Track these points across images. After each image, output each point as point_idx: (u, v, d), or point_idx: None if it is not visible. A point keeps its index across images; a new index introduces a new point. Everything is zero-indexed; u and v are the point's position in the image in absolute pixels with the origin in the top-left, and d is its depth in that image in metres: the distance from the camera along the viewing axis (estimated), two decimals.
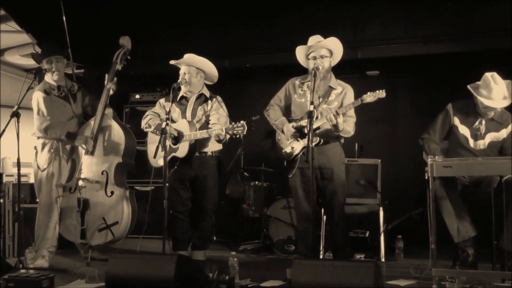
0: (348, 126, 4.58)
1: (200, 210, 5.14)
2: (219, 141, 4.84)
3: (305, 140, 4.38)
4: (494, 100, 4.37)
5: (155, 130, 5.03)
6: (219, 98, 5.19)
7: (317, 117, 4.56)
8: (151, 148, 5.18)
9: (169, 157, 4.93)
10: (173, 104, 5.10)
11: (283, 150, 4.78)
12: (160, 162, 4.89)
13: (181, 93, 5.16)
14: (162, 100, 5.32)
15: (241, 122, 4.59)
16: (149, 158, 5.19)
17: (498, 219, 4.07)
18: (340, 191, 4.68)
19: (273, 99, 4.98)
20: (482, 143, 4.52)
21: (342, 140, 4.80)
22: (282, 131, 4.77)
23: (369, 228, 5.66)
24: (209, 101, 5.16)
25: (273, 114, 4.91)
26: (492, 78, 4.34)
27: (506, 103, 4.40)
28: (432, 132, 4.66)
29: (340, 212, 4.70)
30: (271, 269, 4.86)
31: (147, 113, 5.26)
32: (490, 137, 4.51)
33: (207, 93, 5.21)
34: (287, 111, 4.89)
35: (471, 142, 4.55)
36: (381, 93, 4.31)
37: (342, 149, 4.80)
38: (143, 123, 5.19)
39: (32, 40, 6.66)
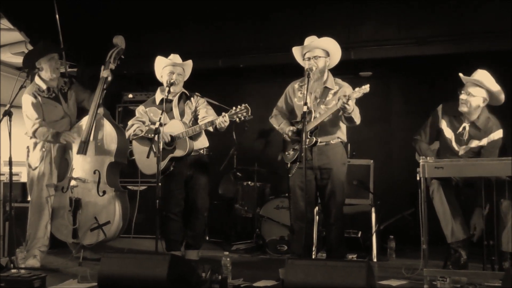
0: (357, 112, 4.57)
1: (193, 209, 5.13)
2: (220, 129, 4.80)
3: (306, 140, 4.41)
4: (473, 76, 4.49)
5: (146, 134, 5.00)
6: (197, 93, 5.22)
7: (315, 117, 4.56)
8: (138, 158, 5.13)
9: (167, 159, 4.93)
10: (154, 108, 5.11)
11: (286, 153, 4.78)
12: (155, 168, 4.87)
13: (162, 96, 5.09)
14: (141, 108, 5.25)
15: (244, 104, 4.58)
16: (140, 167, 5.15)
17: (489, 220, 4.10)
18: (339, 192, 4.66)
19: (276, 107, 4.99)
20: (464, 149, 4.56)
21: (345, 139, 4.80)
22: (286, 134, 4.77)
23: (361, 228, 5.69)
24: (192, 98, 5.18)
25: (276, 120, 4.93)
26: (479, 70, 4.51)
27: (480, 89, 4.46)
28: (423, 133, 4.73)
29: (337, 213, 4.69)
30: (263, 269, 4.86)
31: (131, 123, 5.16)
32: (472, 144, 4.54)
33: (186, 91, 5.21)
34: (291, 115, 4.89)
35: (456, 146, 4.60)
36: (365, 88, 4.29)
37: (344, 149, 4.78)
38: (130, 132, 5.09)
39: (24, 38, 6.62)
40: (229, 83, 7.47)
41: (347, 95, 4.29)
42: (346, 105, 4.29)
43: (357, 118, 4.52)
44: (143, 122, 5.15)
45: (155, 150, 4.68)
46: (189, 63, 5.14)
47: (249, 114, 4.57)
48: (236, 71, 7.14)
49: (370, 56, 6.42)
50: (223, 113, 4.70)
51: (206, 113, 5.03)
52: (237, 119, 4.62)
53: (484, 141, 4.51)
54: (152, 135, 4.86)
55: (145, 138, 5.01)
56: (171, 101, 5.12)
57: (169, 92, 4.91)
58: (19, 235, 5.09)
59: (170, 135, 4.93)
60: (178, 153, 4.95)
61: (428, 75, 6.83)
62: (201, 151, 5.12)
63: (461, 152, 4.56)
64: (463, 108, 4.51)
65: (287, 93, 4.92)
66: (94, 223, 4.96)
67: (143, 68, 6.89)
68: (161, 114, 4.69)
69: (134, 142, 5.15)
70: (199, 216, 5.14)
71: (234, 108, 4.61)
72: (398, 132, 7.05)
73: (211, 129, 4.90)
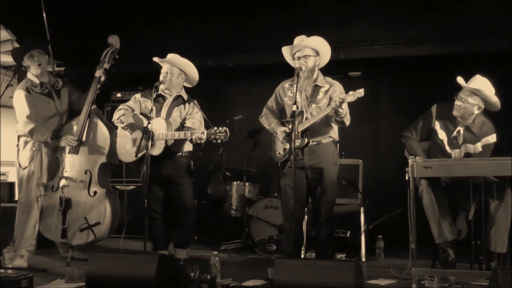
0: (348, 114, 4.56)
1: (180, 208, 5.09)
2: (197, 144, 4.78)
3: (297, 141, 4.42)
4: (472, 82, 4.43)
5: (126, 128, 4.99)
6: (195, 102, 5.16)
7: (306, 118, 4.57)
8: (119, 142, 5.09)
9: (141, 154, 4.89)
10: (149, 101, 5.07)
11: (277, 152, 4.78)
12: (130, 158, 4.86)
13: (159, 91, 5.11)
14: (138, 95, 5.24)
15: (224, 128, 4.56)
16: (118, 152, 5.12)
17: (476, 220, 4.11)
18: (330, 191, 4.67)
19: (266, 106, 5.00)
20: (458, 152, 4.54)
21: (337, 138, 4.80)
22: (276, 134, 4.77)
23: (350, 228, 5.70)
24: (186, 104, 5.11)
25: (267, 119, 4.93)
26: (479, 77, 4.44)
27: (476, 97, 4.42)
28: (414, 131, 4.70)
29: (327, 213, 4.69)
30: (252, 268, 4.86)
31: (120, 107, 5.17)
32: (466, 148, 4.53)
33: (184, 95, 5.17)
34: (282, 115, 4.89)
35: (448, 148, 4.59)
36: (360, 92, 4.26)
37: (335, 149, 4.79)
38: (115, 116, 5.09)
39: (11, 36, 6.58)
40: (218, 83, 7.46)
41: (341, 98, 4.29)
42: (339, 109, 4.30)
43: (347, 120, 4.53)
44: (133, 110, 5.14)
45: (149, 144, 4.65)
46: (182, 63, 5.10)
47: (227, 138, 4.56)
48: (225, 70, 7.14)
49: (359, 56, 6.45)
50: (203, 130, 4.68)
51: (192, 125, 4.98)
52: (214, 140, 4.60)
53: (478, 146, 4.50)
54: (131, 132, 4.88)
55: (131, 124, 4.99)
56: (165, 99, 5.11)
57: (155, 89, 4.87)
58: (6, 235, 5.05)
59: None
60: (152, 151, 4.90)
61: (417, 75, 6.86)
62: (179, 153, 5.06)
63: (454, 155, 4.53)
64: (457, 113, 4.50)
65: (277, 93, 4.92)
66: (84, 224, 4.93)
67: (132, 68, 6.90)
68: (150, 113, 4.67)
69: (119, 127, 5.13)
70: (183, 216, 5.08)
71: (215, 128, 4.58)
72: (387, 132, 7.08)
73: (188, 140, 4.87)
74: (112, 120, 5.14)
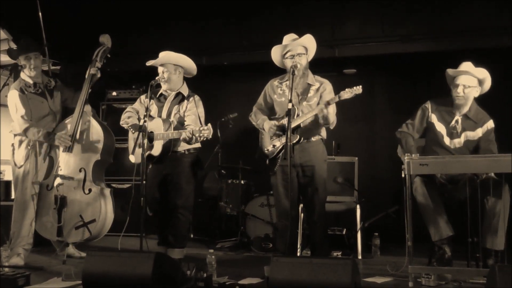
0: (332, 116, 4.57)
1: (173, 208, 5.08)
2: (187, 143, 4.76)
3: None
4: (460, 68, 4.53)
5: (130, 129, 5.01)
6: (196, 97, 5.13)
7: (298, 115, 4.57)
8: (131, 144, 5.14)
9: (145, 154, 4.89)
10: (152, 101, 5.07)
11: (265, 149, 4.77)
12: (139, 159, 4.86)
13: (161, 90, 5.12)
14: (143, 97, 5.26)
15: (208, 125, 4.55)
16: (130, 153, 5.15)
17: (473, 217, 4.12)
18: (321, 189, 4.67)
19: (255, 105, 4.98)
20: (458, 142, 4.55)
21: (325, 137, 4.80)
22: (264, 129, 4.76)
23: (346, 225, 5.71)
24: (185, 101, 5.10)
25: (255, 116, 4.91)
26: (463, 63, 4.55)
27: (472, 79, 4.49)
28: (411, 126, 4.70)
29: (320, 210, 4.69)
30: (248, 266, 4.87)
31: (126, 109, 5.22)
32: (466, 136, 4.54)
33: (185, 91, 5.16)
34: (271, 112, 4.88)
35: (447, 140, 4.58)
36: (358, 89, 4.27)
37: (324, 147, 4.79)
38: (121, 119, 5.16)
39: (7, 36, 6.56)
40: (212, 81, 7.46)
41: (328, 101, 4.33)
42: (324, 110, 4.35)
43: (332, 123, 4.53)
44: (137, 112, 5.16)
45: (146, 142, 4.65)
46: (174, 58, 5.08)
47: (210, 136, 4.54)
48: (220, 69, 7.14)
49: (354, 54, 6.46)
50: (190, 130, 4.65)
51: (191, 122, 4.97)
52: (199, 138, 4.54)
53: (478, 132, 4.51)
54: (133, 131, 4.88)
55: (134, 125, 5.01)
56: (166, 98, 5.11)
57: (151, 88, 4.86)
58: (2, 233, 5.04)
59: (150, 132, 4.90)
60: (154, 152, 4.91)
61: (412, 73, 6.87)
62: (181, 151, 5.05)
63: (455, 146, 4.55)
64: (460, 101, 4.50)
65: (266, 91, 4.91)
66: (79, 221, 4.92)
67: (127, 66, 6.89)
68: (146, 111, 4.67)
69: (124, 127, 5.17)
70: (179, 215, 5.05)
71: (200, 126, 4.55)
72: (382, 129, 7.09)
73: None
74: (120, 123, 5.17)
